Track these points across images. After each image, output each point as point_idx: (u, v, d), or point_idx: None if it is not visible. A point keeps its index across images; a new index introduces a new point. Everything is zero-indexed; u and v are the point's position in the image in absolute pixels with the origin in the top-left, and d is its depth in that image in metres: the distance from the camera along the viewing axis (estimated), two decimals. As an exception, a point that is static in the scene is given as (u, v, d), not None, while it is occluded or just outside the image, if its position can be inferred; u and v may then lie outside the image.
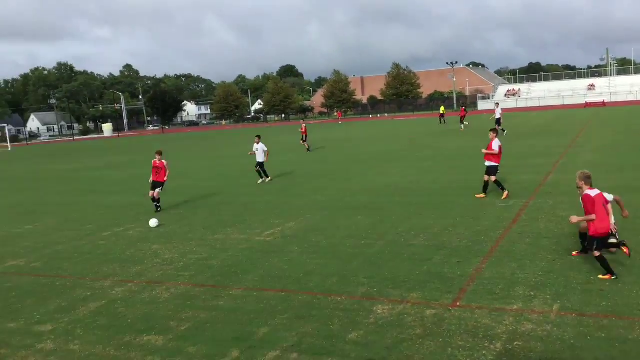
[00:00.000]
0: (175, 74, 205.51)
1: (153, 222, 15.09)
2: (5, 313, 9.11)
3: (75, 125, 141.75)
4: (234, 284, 9.71)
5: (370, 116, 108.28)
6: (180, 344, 7.40)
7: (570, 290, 8.23)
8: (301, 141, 37.14)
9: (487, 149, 15.75)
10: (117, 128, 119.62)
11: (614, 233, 9.14)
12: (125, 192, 22.36)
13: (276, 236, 12.97)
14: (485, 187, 15.87)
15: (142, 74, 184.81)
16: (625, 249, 8.99)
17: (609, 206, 8.95)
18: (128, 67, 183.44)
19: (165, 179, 17.40)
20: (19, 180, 31.66)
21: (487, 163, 15.78)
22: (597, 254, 8.62)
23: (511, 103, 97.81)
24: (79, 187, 25.31)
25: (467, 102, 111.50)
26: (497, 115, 36.73)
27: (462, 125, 45.42)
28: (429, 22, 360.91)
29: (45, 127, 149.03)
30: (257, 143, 21.91)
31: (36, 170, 38.24)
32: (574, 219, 9.09)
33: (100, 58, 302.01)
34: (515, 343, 6.71)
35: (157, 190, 17.13)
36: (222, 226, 14.51)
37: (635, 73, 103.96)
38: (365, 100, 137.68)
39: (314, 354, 6.84)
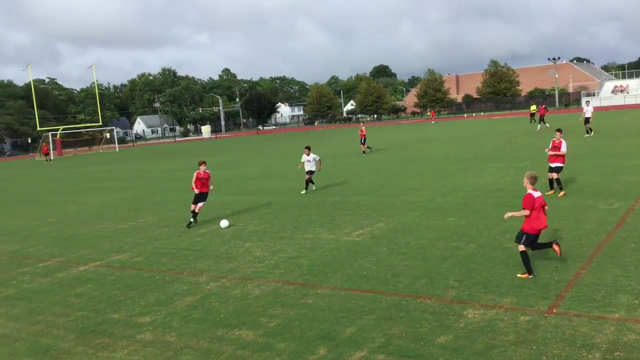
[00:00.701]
0: (270, 77, 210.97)
1: (224, 223, 15.43)
2: (109, 304, 9.76)
3: (177, 127, 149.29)
4: (322, 283, 9.82)
5: (465, 115, 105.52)
6: (269, 339, 7.59)
7: (680, 301, 7.61)
8: (361, 144, 35.92)
9: (553, 149, 15.92)
10: (215, 130, 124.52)
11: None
12: (221, 191, 23.19)
13: (365, 236, 12.98)
14: (551, 183, 16.02)
15: (239, 77, 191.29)
16: (556, 248, 9.35)
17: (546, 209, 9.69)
18: (226, 71, 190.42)
19: (211, 187, 16.35)
20: (124, 179, 33.81)
21: (555, 164, 15.86)
22: (522, 248, 9.27)
23: (619, 100, 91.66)
24: (178, 186, 26.58)
25: (570, 99, 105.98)
26: (588, 114, 34.18)
27: (539, 126, 43.03)
28: (528, 17, 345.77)
29: (149, 129, 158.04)
30: (308, 155, 20.18)
31: (140, 169, 40.65)
32: (508, 214, 9.75)
33: (201, 63, 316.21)
34: (616, 354, 6.30)
35: (200, 204, 15.93)
36: (311, 225, 14.72)
37: None
38: (459, 99, 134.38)
39: (401, 356, 6.78)
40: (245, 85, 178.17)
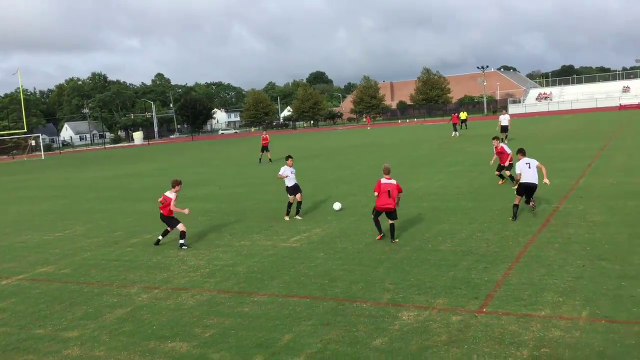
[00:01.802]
0: (206, 82, 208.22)
1: (337, 206, 16.07)
2: (34, 319, 9.29)
3: (107, 134, 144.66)
4: (259, 290, 9.74)
5: (400, 121, 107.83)
6: (204, 350, 7.43)
7: (600, 297, 8.02)
8: (260, 152, 35.74)
9: (501, 157, 18.51)
10: (148, 136, 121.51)
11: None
12: (153, 199, 22.62)
13: (302, 242, 12.98)
14: (512, 177, 17.64)
15: (173, 82, 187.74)
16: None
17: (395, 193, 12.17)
18: (159, 75, 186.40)
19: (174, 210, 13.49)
20: (49, 188, 32.37)
21: (508, 163, 18.34)
22: (373, 217, 12.59)
23: (543, 107, 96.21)
24: (108, 195, 25.76)
25: (497, 106, 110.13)
26: (504, 123, 34.81)
27: (455, 133, 44.39)
28: (457, 27, 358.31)
29: (78, 135, 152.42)
30: (291, 165, 16.21)
31: (67, 177, 39.07)
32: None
33: (133, 68, 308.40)
34: (543, 350, 6.56)
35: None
36: (248, 232, 14.59)
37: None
38: (394, 106, 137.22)
39: (337, 361, 6.80)
40: (180, 90, 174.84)
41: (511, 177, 17.73)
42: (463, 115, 56.99)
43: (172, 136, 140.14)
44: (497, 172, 19.00)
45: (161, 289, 10.38)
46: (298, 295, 9.29)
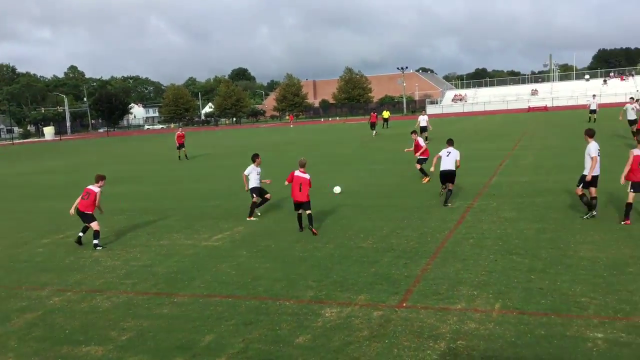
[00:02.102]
0: (123, 76, 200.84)
1: (337, 189, 15.98)
2: None
3: (15, 129, 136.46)
4: (179, 291, 9.50)
5: (322, 120, 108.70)
6: (120, 354, 7.16)
7: (511, 289, 8.42)
8: (177, 150, 35.46)
9: (417, 150, 19.76)
10: (60, 131, 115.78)
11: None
12: (65, 198, 21.57)
13: (224, 241, 12.80)
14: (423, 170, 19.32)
15: (88, 75, 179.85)
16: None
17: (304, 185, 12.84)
18: (73, 68, 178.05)
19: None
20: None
21: (422, 156, 19.63)
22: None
23: (458, 108, 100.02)
24: (16, 193, 24.32)
25: (416, 106, 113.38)
26: (423, 123, 35.74)
27: (374, 132, 45.45)
28: (377, 28, 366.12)
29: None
30: (258, 165, 15.36)
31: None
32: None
33: (44, 60, 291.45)
34: (459, 342, 6.80)
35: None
36: (167, 232, 14.21)
37: (577, 79, 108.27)
38: (317, 104, 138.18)
39: (260, 360, 6.75)
40: (95, 84, 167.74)
41: (422, 171, 19.35)
42: (386, 114, 58.33)
43: (87, 131, 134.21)
44: (418, 166, 19.88)
45: (74, 291, 9.91)
46: (220, 295, 9.14)
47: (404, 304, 8.17)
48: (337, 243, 11.88)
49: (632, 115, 29.08)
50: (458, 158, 15.27)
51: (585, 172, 12.40)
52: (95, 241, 12.91)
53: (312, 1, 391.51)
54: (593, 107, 42.67)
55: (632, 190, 11.81)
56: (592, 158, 12.28)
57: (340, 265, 10.27)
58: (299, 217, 13.18)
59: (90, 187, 13.16)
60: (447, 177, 15.06)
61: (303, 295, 8.88)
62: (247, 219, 15.02)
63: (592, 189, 12.43)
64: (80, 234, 13.37)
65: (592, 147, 12.39)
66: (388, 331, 7.26)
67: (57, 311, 8.92)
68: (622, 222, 11.77)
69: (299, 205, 13.06)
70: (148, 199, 19.97)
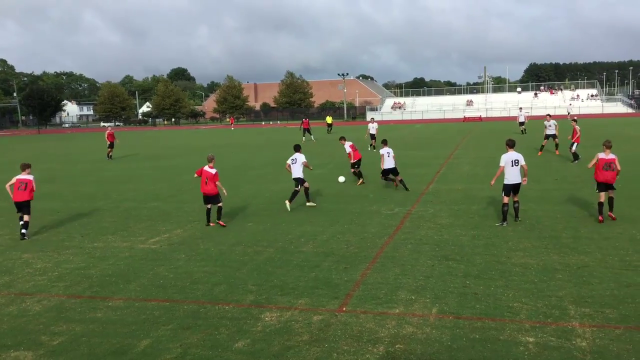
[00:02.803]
0: (55, 72, 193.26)
1: (341, 179, 19.27)
2: None
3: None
4: (114, 295, 9.23)
5: (263, 123, 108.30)
6: (52, 359, 6.88)
7: (448, 294, 8.66)
8: (109, 149, 35.57)
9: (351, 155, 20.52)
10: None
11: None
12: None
13: (162, 244, 12.53)
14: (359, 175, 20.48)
15: (18, 69, 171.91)
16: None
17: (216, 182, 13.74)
18: (2, 62, 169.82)
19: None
20: None
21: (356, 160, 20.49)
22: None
23: (397, 115, 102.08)
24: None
25: (356, 113, 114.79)
26: (373, 131, 36.02)
27: (305, 137, 45.68)
28: (317, 34, 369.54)
29: None
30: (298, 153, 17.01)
31: None
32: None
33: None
34: (397, 346, 6.93)
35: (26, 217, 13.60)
36: (102, 233, 13.77)
37: (509, 91, 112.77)
38: (258, 107, 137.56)
39: (199, 365, 6.64)
40: (26, 79, 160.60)
41: (359, 174, 20.46)
42: (329, 119, 58.95)
43: (17, 128, 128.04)
44: (352, 170, 20.80)
45: (2, 294, 9.44)
46: (157, 299, 8.94)
47: (344, 309, 8.24)
48: (278, 247, 11.86)
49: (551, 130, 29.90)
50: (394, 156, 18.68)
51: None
52: (24, 231, 13.32)
53: (253, 3, 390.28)
54: (521, 119, 44.65)
55: (598, 190, 12.98)
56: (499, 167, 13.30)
57: (280, 270, 10.26)
58: (208, 211, 14.13)
59: (23, 176, 13.55)
60: (391, 172, 18.59)
61: (243, 299, 8.81)
62: (307, 204, 16.56)
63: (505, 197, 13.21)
64: (23, 230, 13.44)
65: (503, 157, 13.38)
66: (328, 335, 7.31)
67: (-17, 315, 8.48)
68: (598, 221, 12.77)
69: (207, 199, 13.99)
70: (81, 199, 19.28)
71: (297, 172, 16.33)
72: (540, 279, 9.21)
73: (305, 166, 16.54)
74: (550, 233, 12.17)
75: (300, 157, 16.52)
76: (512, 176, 13.10)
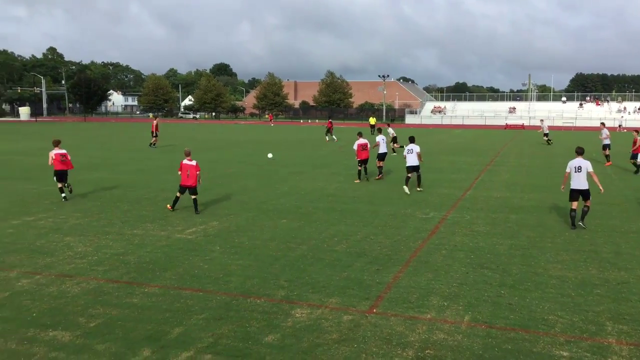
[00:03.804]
0: (103, 62, 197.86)
1: (270, 155, 20.17)
2: None
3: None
4: (150, 282, 9.43)
5: (302, 121, 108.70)
6: (88, 341, 7.09)
7: (481, 303, 8.56)
8: (154, 137, 37.84)
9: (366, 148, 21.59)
10: (35, 112, 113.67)
11: None
12: (38, 180, 21.25)
13: (198, 234, 12.73)
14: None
15: (67, 58, 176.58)
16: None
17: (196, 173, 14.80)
18: (52, 50, 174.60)
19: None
20: None
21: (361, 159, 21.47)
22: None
23: (437, 119, 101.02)
24: (-11, 171, 23.82)
25: (395, 115, 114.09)
26: (392, 134, 35.91)
27: (328, 137, 46.47)
28: (358, 34, 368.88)
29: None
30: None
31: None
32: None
33: (21, 39, 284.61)
34: (427, 351, 6.89)
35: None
36: (141, 221, 14.08)
37: (554, 100, 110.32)
38: (297, 105, 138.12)
39: (229, 356, 6.75)
40: (74, 67, 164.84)
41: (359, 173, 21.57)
42: (372, 120, 59.20)
43: (64, 115, 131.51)
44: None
45: (44, 274, 9.76)
46: (191, 288, 9.10)
47: (374, 310, 8.24)
48: (311, 245, 11.92)
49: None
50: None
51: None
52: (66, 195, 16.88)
53: (294, 2, 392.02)
54: (545, 130, 44.04)
55: None
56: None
57: (312, 267, 10.31)
58: (177, 198, 15.23)
59: (59, 150, 16.97)
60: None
61: (274, 294, 8.89)
62: (418, 189, 18.87)
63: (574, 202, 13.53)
64: (64, 194, 16.78)
65: (568, 164, 13.74)
66: (357, 336, 7.32)
67: (25, 293, 8.79)
68: None
69: (183, 189, 14.95)
70: (123, 186, 19.74)
71: (413, 160, 18.59)
72: (577, 293, 9.02)
73: (419, 156, 18.70)
74: (590, 247, 11.89)
75: (416, 148, 18.74)
76: (576, 182, 13.50)
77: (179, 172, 14.93)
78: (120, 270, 10.07)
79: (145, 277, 9.70)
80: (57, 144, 17.21)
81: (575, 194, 13.50)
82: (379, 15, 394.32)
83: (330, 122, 49.22)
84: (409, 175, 18.84)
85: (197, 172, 14.85)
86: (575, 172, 13.48)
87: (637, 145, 24.57)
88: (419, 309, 8.29)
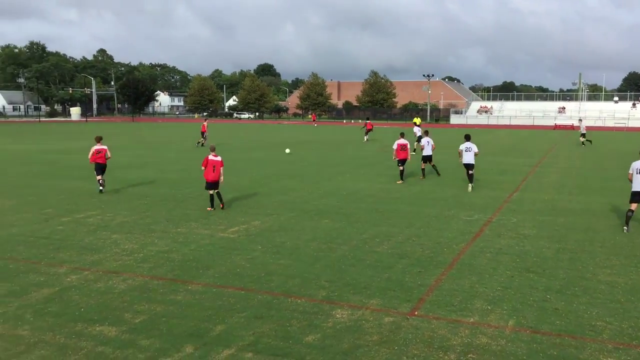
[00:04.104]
0: (150, 63, 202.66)
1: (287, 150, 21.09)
2: (-47, 293, 8.79)
3: (42, 107, 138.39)
4: (194, 279, 9.59)
5: (345, 121, 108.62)
6: (133, 336, 7.25)
7: (526, 307, 8.35)
8: (202, 138, 39.03)
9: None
10: (86, 113, 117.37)
11: None
12: (88, 178, 21.88)
13: (240, 234, 12.87)
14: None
15: (116, 59, 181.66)
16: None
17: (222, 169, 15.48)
18: (102, 51, 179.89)
19: (109, 155, 18.81)
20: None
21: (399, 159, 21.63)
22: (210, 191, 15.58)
23: (483, 119, 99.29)
24: (40, 170, 24.70)
25: (440, 115, 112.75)
26: (418, 133, 35.35)
27: (366, 137, 46.74)
28: (402, 34, 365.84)
29: (11, 106, 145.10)
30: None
31: (-2, 149, 37.19)
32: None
33: (74, 41, 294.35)
34: (469, 355, 6.77)
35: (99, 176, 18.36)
36: (186, 220, 14.33)
37: (605, 100, 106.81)
38: (340, 105, 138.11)
39: (270, 355, 6.78)
40: (123, 69, 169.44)
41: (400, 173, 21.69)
42: (417, 120, 58.33)
43: (112, 115, 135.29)
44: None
45: (92, 270, 10.05)
46: (233, 287, 9.20)
47: (416, 313, 8.14)
48: (352, 245, 11.88)
49: None
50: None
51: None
52: (102, 188, 18.26)
53: (337, 2, 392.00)
54: (583, 130, 42.30)
55: None
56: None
57: (354, 268, 10.27)
58: (211, 197, 15.53)
59: (100, 146, 18.46)
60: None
61: (315, 294, 8.90)
62: (469, 185, 19.35)
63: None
64: (101, 187, 18.12)
65: (631, 165, 13.50)
66: (398, 338, 7.25)
67: (74, 289, 9.06)
68: None
69: (211, 185, 15.30)
70: (169, 185, 20.15)
71: (470, 158, 19.33)
72: (627, 299, 8.70)
73: (476, 154, 19.50)
74: (642, 252, 11.45)
75: (473, 147, 19.49)
76: (637, 184, 13.12)
77: (203, 167, 15.32)
78: (164, 267, 10.27)
79: (189, 274, 9.86)
80: (98, 140, 18.77)
81: (636, 197, 13.08)
82: (423, 14, 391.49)
83: (370, 123, 48.93)
84: (471, 172, 19.50)
85: (221, 168, 15.40)
86: (637, 173, 13.11)
87: None
88: (461, 312, 8.15)
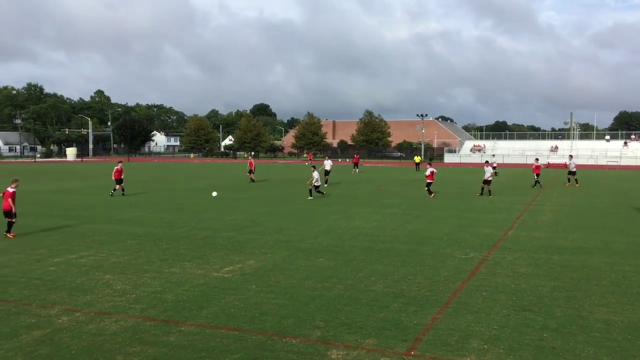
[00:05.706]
0: (147, 104, 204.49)
1: (214, 194, 21.97)
2: (-59, 336, 8.63)
3: (38, 147, 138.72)
4: (187, 320, 9.46)
5: (340, 160, 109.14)
6: (124, 379, 7.11)
7: (523, 346, 8.26)
8: (249, 174, 43.26)
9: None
10: (82, 153, 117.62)
11: None
12: (81, 218, 21.81)
13: (235, 273, 12.77)
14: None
15: (113, 101, 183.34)
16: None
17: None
18: (99, 92, 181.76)
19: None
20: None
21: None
22: None
23: (476, 158, 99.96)
24: (33, 210, 24.58)
25: (434, 154, 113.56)
26: (327, 167, 39.21)
27: (356, 170, 56.26)
28: (390, 74, 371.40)
29: (7, 146, 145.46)
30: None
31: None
32: None
33: (67, 82, 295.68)
34: (467, 396, 6.65)
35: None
36: (179, 260, 14.23)
37: (597, 139, 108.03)
38: (335, 144, 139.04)
39: (263, 397, 6.65)
40: (120, 109, 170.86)
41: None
42: (417, 159, 62.19)
43: (108, 155, 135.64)
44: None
45: (83, 312, 9.91)
46: (227, 327, 9.08)
47: (412, 352, 8.04)
48: (347, 284, 11.79)
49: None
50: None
51: None
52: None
53: (323, 44, 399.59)
54: (572, 168, 41.62)
55: None
56: None
57: (349, 307, 10.17)
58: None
59: (117, 166, 20.51)
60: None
61: (310, 334, 8.78)
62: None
63: None
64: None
65: None
66: (394, 378, 7.14)
67: (65, 330, 8.92)
68: None
69: (4, 214, 17.24)
70: (162, 225, 20.06)
71: (487, 175, 28.09)
72: (624, 338, 8.62)
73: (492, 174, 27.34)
74: (637, 289, 11.41)
75: (488, 169, 29.93)
76: None
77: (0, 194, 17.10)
78: (157, 308, 10.15)
79: (182, 315, 9.74)
80: (119, 162, 26.22)
81: None
82: (409, 55, 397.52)
83: (357, 157, 59.94)
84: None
85: (9, 200, 17.12)
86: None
87: None
88: (458, 351, 8.05)
